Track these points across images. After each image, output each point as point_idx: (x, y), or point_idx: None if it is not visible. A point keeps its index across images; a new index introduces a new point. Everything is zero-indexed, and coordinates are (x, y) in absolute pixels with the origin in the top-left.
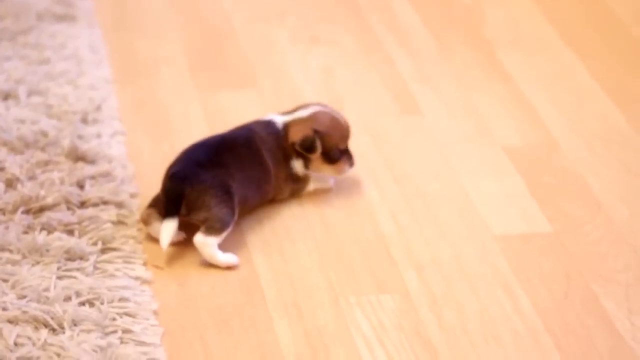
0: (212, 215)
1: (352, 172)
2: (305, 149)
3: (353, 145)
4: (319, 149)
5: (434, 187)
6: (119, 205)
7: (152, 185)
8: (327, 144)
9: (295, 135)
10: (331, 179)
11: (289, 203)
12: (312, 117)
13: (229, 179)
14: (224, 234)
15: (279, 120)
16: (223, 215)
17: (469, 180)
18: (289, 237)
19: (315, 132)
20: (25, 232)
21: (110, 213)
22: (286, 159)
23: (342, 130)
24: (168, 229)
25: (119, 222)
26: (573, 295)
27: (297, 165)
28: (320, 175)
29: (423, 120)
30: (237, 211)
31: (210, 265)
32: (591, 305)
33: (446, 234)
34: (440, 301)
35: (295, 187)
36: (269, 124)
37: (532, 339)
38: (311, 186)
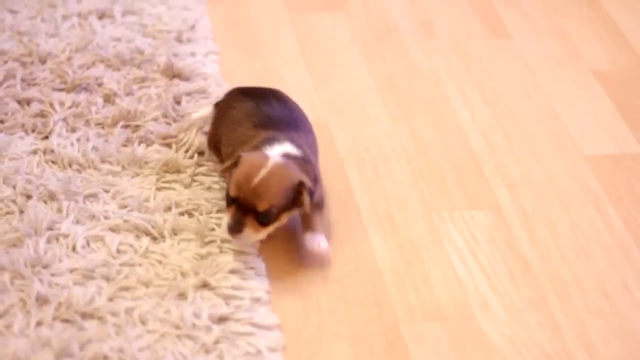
0: None
1: (442, 93)
2: None
3: (443, 65)
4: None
5: (524, 107)
6: None
7: None
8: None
9: None
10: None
11: (381, 121)
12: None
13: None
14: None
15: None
16: None
17: (559, 101)
18: (382, 154)
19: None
20: (125, 145)
21: (206, 124)
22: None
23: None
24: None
25: None
26: None
27: None
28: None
29: (512, 42)
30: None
31: None
32: None
33: (537, 153)
34: (532, 217)
35: None
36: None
37: (623, 255)
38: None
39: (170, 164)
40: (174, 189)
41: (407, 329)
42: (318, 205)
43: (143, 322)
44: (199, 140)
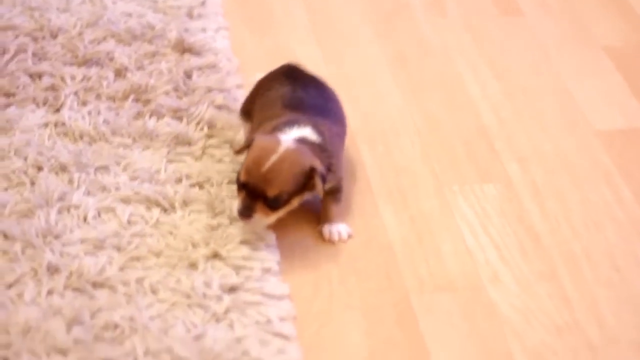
0: None
1: (453, 69)
2: None
3: (454, 42)
4: None
5: (534, 83)
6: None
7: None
8: None
9: None
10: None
11: (392, 96)
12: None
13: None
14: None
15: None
16: None
17: (570, 77)
18: (392, 129)
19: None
20: (136, 118)
21: (217, 98)
22: None
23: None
24: None
25: (225, 107)
26: None
27: None
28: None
29: (523, 20)
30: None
31: None
32: None
33: (547, 127)
34: (542, 191)
35: None
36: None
37: (633, 228)
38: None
39: (180, 137)
40: (184, 161)
41: (418, 301)
42: (334, 194)
43: (154, 292)
44: (210, 113)
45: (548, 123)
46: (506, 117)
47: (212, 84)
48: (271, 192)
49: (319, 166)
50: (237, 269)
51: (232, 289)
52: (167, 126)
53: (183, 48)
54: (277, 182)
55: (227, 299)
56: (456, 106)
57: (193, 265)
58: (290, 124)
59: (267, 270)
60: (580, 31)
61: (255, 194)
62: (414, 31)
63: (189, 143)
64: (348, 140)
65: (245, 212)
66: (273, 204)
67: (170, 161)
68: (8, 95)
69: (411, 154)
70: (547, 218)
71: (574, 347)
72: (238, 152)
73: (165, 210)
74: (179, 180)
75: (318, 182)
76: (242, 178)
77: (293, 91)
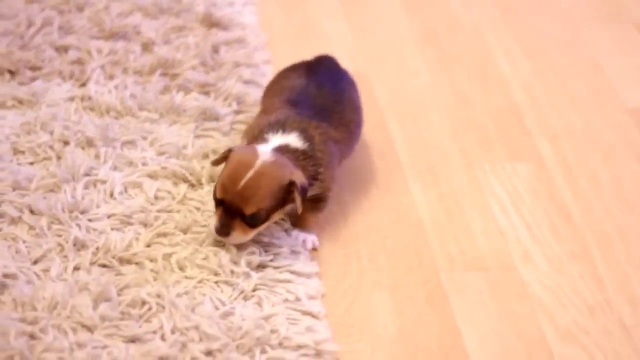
0: None
1: (483, 46)
2: None
3: (484, 19)
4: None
5: (565, 61)
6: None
7: (284, 53)
8: None
9: None
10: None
11: (422, 73)
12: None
13: None
14: None
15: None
16: None
17: (601, 55)
18: (422, 106)
19: None
20: (163, 93)
21: (244, 72)
22: None
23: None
24: None
25: (253, 82)
26: None
27: None
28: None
29: None
30: None
31: None
32: None
33: (579, 105)
34: (574, 170)
35: None
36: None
37: None
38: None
39: (208, 112)
40: (212, 136)
41: (448, 279)
42: (317, 202)
43: (181, 268)
44: (238, 88)
45: (579, 101)
46: (537, 94)
47: (240, 59)
48: (249, 210)
49: (299, 179)
50: (266, 246)
51: (261, 267)
52: (195, 101)
53: (210, 22)
54: (254, 200)
55: (255, 276)
56: (486, 83)
57: (220, 242)
58: (276, 127)
59: (295, 248)
60: (612, 8)
61: (232, 211)
62: (444, 7)
63: (216, 118)
64: (377, 117)
65: (223, 230)
66: (251, 222)
67: (197, 136)
68: (34, 68)
69: (440, 131)
70: (578, 196)
71: (606, 327)
72: (215, 163)
73: (192, 185)
74: (205, 156)
75: (297, 197)
76: (218, 195)
77: (302, 86)
